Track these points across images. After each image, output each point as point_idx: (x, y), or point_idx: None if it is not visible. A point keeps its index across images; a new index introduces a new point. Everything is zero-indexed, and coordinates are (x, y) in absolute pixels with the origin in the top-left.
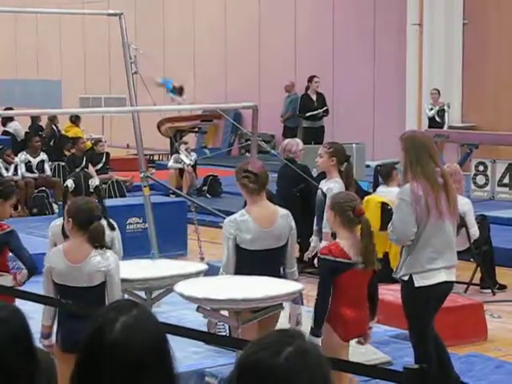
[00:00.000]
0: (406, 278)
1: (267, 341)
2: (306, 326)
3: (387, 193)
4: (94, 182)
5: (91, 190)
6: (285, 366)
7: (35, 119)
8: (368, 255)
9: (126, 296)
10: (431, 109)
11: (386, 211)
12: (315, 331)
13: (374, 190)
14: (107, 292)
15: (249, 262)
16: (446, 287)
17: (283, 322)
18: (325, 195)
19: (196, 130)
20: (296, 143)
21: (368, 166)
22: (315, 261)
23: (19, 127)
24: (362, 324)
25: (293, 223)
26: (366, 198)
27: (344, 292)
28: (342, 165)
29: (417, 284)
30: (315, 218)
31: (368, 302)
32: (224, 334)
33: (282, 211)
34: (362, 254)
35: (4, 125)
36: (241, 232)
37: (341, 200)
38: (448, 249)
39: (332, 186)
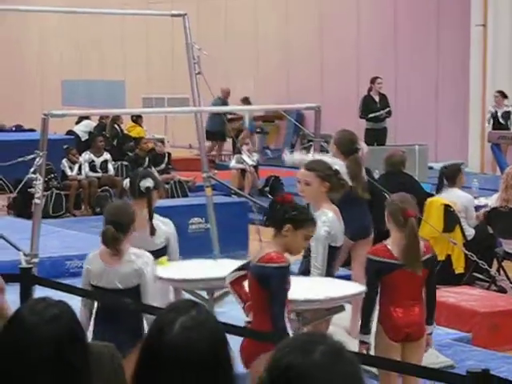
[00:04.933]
0: None
1: (296, 343)
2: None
3: (451, 195)
4: (146, 183)
5: (142, 191)
6: (317, 366)
7: (102, 119)
8: (409, 257)
9: (188, 296)
10: (494, 112)
11: (448, 213)
12: (363, 329)
13: (438, 192)
14: (142, 294)
15: (333, 258)
16: None
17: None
18: None
19: (258, 131)
20: (360, 148)
21: (431, 168)
22: None
23: (91, 125)
24: (413, 325)
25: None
26: (428, 199)
27: (392, 292)
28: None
29: None
30: None
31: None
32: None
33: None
34: (403, 256)
35: (78, 123)
36: (332, 230)
37: (394, 202)
38: None
39: None
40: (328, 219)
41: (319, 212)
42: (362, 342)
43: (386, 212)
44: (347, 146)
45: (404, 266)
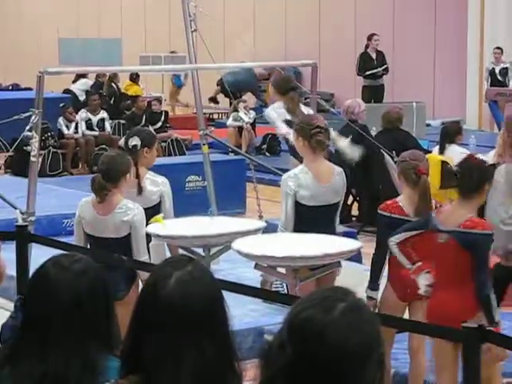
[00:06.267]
0: None
1: (318, 297)
2: (364, 284)
3: (448, 151)
4: (132, 141)
5: (130, 148)
6: (338, 321)
7: (99, 78)
8: (421, 214)
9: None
10: (491, 69)
11: (445, 169)
12: (371, 285)
13: (442, 150)
14: (133, 245)
15: (307, 218)
16: None
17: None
18: None
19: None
20: (358, 104)
21: (428, 125)
22: None
23: (88, 84)
24: None
25: (345, 181)
26: (426, 156)
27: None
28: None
29: None
30: None
31: None
32: (282, 291)
33: (338, 168)
34: (415, 213)
35: (75, 82)
36: (301, 188)
37: (405, 159)
38: None
39: None
40: (293, 175)
41: None
42: (369, 298)
43: (397, 169)
44: (282, 86)
45: None
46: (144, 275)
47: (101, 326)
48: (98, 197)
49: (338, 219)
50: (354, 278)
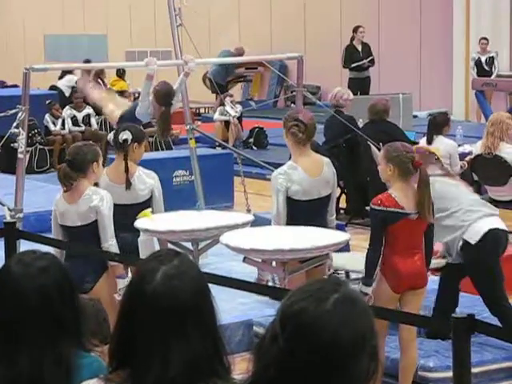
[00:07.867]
0: None
1: (311, 289)
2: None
3: (435, 141)
4: (123, 135)
5: (120, 142)
6: (331, 313)
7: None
8: (424, 205)
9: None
10: (477, 59)
11: None
12: (366, 280)
13: (430, 141)
14: (99, 229)
15: (300, 213)
16: None
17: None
18: None
19: (241, 79)
20: (347, 92)
21: (415, 116)
22: None
23: (74, 80)
24: (416, 276)
25: (334, 170)
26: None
27: (396, 242)
28: None
29: None
30: None
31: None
32: (271, 284)
33: (325, 159)
34: (417, 204)
35: (61, 78)
36: (292, 183)
37: (399, 152)
38: None
39: None
40: (283, 172)
41: None
42: (363, 293)
43: (388, 162)
44: (163, 99)
45: (409, 215)
46: (112, 263)
47: (69, 322)
48: (63, 186)
49: (333, 211)
50: None
